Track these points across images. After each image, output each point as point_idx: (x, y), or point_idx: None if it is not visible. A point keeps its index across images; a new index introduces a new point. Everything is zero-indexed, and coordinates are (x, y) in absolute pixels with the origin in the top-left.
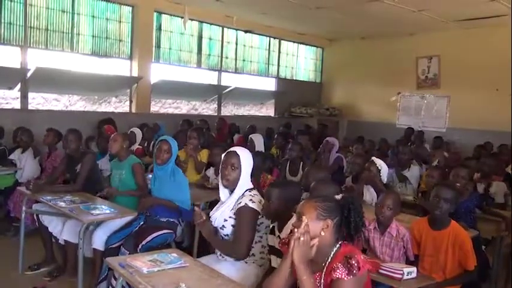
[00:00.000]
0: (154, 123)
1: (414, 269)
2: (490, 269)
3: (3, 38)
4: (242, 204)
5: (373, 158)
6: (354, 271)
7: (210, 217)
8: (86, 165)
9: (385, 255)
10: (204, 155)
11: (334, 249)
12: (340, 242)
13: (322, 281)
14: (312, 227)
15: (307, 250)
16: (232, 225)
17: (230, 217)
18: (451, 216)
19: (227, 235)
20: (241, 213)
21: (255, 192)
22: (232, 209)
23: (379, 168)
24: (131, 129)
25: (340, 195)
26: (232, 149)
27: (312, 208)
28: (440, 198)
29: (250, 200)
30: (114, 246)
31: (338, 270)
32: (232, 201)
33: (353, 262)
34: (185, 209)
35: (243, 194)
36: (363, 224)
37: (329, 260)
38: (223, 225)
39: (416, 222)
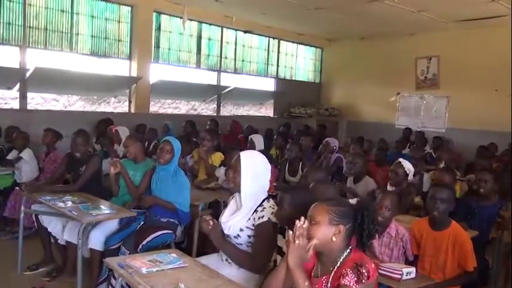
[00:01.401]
0: (164, 123)
1: (413, 269)
2: (489, 269)
3: (2, 37)
4: (265, 218)
5: (400, 159)
6: (363, 280)
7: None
8: (91, 167)
9: (384, 255)
10: (216, 158)
11: (344, 254)
12: (350, 247)
13: (329, 285)
14: (323, 232)
15: (303, 254)
16: (249, 236)
17: (247, 227)
18: (472, 221)
19: (241, 244)
20: (264, 227)
21: (272, 202)
22: (249, 219)
23: (408, 172)
24: (116, 128)
25: (355, 199)
26: (241, 152)
27: (325, 212)
28: (436, 199)
29: (272, 213)
30: (114, 247)
31: (347, 277)
32: (247, 210)
33: (363, 271)
34: (183, 211)
35: (261, 205)
36: (376, 232)
37: (338, 265)
38: (238, 235)
39: (416, 223)
